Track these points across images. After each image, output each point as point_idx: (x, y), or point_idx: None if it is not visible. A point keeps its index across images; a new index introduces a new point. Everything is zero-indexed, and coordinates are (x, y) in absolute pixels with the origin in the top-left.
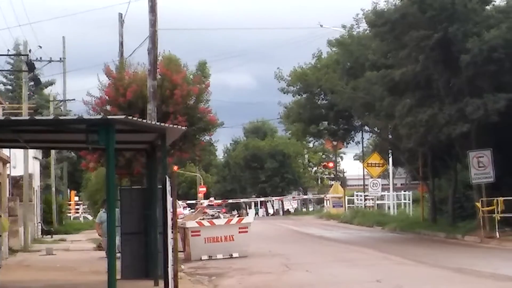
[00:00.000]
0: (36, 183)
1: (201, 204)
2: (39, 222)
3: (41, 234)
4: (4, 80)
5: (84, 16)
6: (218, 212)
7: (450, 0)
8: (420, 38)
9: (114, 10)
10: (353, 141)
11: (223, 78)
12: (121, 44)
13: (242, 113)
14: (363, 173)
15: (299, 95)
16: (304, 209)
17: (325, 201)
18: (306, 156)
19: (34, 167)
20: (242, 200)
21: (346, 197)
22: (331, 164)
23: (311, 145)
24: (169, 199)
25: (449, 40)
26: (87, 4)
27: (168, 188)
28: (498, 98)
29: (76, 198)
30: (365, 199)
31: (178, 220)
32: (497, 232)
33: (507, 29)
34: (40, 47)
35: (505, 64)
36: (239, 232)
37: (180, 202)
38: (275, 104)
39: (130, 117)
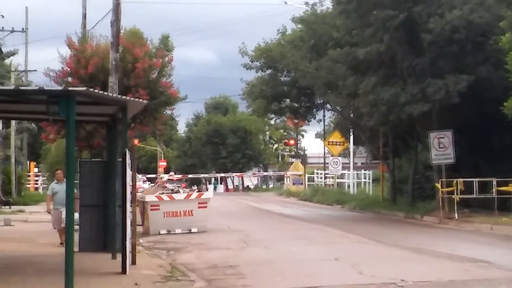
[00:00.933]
0: None
1: (161, 178)
2: None
3: (0, 204)
4: None
5: None
6: (178, 187)
7: None
8: (386, 19)
9: None
10: (314, 119)
11: (185, 53)
12: (84, 16)
13: (203, 88)
14: (324, 151)
15: (262, 71)
16: (264, 186)
17: (285, 179)
18: (268, 133)
19: None
20: (202, 175)
21: (307, 175)
22: (292, 142)
23: (272, 122)
24: (129, 173)
25: (414, 21)
26: None
27: (128, 161)
28: (460, 79)
29: (36, 170)
30: (325, 177)
31: (137, 193)
32: (455, 213)
33: (469, 10)
34: (2, 16)
35: (467, 46)
36: (199, 207)
37: (140, 176)
38: (237, 80)
39: (91, 89)
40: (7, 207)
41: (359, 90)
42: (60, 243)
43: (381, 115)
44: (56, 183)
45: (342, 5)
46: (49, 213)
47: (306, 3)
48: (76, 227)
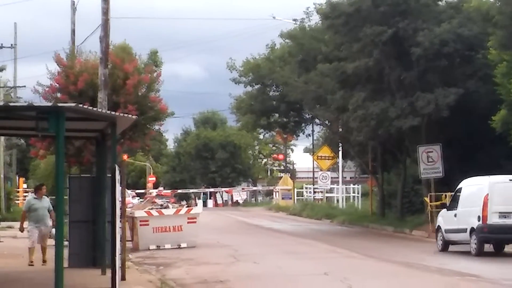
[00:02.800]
0: None
1: (150, 193)
2: None
3: None
4: None
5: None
6: (167, 202)
7: None
8: (374, 34)
9: None
10: (303, 134)
11: (173, 68)
12: (73, 31)
13: (192, 103)
14: (313, 165)
15: (251, 86)
16: (253, 201)
17: (274, 193)
18: (257, 147)
19: None
20: (191, 190)
21: (296, 190)
22: (281, 156)
23: (261, 136)
24: (118, 188)
25: (402, 35)
26: None
27: (118, 177)
28: (448, 92)
29: (25, 186)
30: (314, 192)
31: (126, 209)
32: None
33: (458, 24)
34: None
35: (455, 60)
36: (188, 222)
37: (129, 191)
38: (226, 95)
39: (81, 105)
40: None
41: (348, 104)
42: (43, 261)
43: (371, 129)
44: (35, 198)
45: (330, 20)
46: (22, 231)
47: (295, 19)
48: (66, 243)
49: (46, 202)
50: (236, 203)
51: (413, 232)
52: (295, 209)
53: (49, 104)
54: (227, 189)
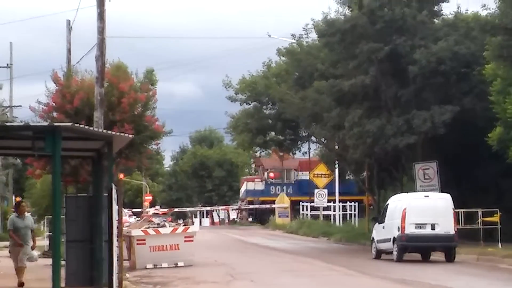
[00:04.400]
0: None
1: (147, 212)
2: None
3: None
4: None
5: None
6: (163, 220)
7: (399, 13)
8: (371, 51)
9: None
10: (299, 152)
11: (168, 87)
12: (69, 51)
13: (187, 122)
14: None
15: (247, 104)
16: (250, 219)
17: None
18: (253, 165)
19: None
20: (188, 209)
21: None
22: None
23: (258, 154)
24: (115, 207)
25: (398, 53)
26: (36, 10)
27: (114, 196)
28: (445, 110)
29: None
30: (311, 210)
31: (123, 228)
32: None
33: (455, 42)
34: None
35: (451, 77)
36: (185, 241)
37: (125, 210)
38: (221, 114)
39: (77, 125)
40: None
41: (344, 122)
42: (19, 284)
43: (367, 147)
44: (17, 217)
45: (326, 37)
46: (22, 246)
47: (293, 35)
48: (63, 262)
49: (28, 220)
50: (232, 222)
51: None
52: (292, 227)
53: (46, 123)
54: (223, 207)
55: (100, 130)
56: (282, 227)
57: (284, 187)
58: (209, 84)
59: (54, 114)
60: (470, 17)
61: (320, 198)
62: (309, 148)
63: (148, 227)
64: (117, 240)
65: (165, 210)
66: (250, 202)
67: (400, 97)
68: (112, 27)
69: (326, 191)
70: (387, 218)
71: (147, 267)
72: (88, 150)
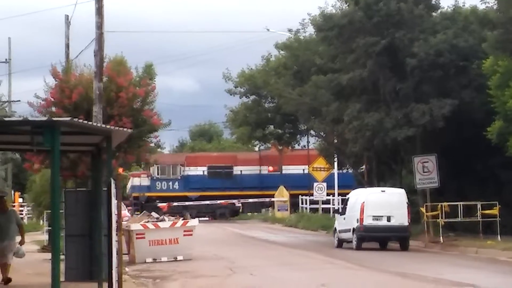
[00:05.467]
0: None
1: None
2: None
3: None
4: None
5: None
6: (163, 215)
7: (396, 6)
8: (368, 45)
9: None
10: (298, 145)
11: (166, 81)
12: (67, 46)
13: (186, 116)
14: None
15: (246, 97)
16: (249, 213)
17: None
18: None
19: None
20: (187, 203)
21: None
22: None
23: (256, 148)
24: (114, 202)
25: (396, 46)
26: (34, 5)
27: (113, 190)
28: (444, 103)
29: (21, 200)
30: (310, 203)
31: (122, 222)
32: (441, 237)
33: (453, 34)
34: None
35: (450, 70)
36: (184, 235)
37: (124, 205)
38: (220, 108)
39: (76, 119)
40: None
41: (342, 116)
42: (1, 281)
43: (366, 140)
44: None
45: (323, 32)
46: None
47: (290, 30)
48: (62, 257)
49: (10, 215)
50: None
51: (410, 242)
52: (291, 221)
53: (44, 118)
54: (223, 201)
55: (99, 124)
56: (281, 221)
57: (171, 183)
58: (208, 79)
59: (53, 109)
60: (468, 10)
61: (319, 191)
62: (308, 142)
63: (148, 221)
64: (116, 234)
65: (164, 204)
66: (136, 198)
67: (398, 91)
68: (110, 21)
69: (325, 184)
70: (348, 210)
71: (147, 261)
72: (87, 145)
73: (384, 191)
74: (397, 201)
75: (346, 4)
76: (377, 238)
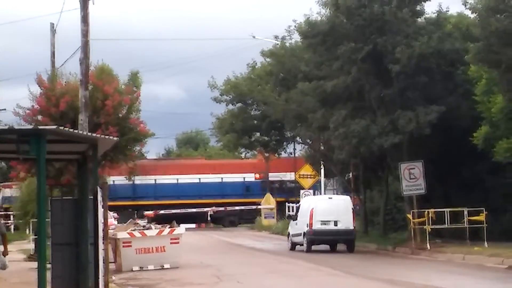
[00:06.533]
0: None
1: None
2: None
3: None
4: None
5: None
6: (149, 223)
7: (379, 10)
8: (351, 51)
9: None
10: (285, 152)
11: (152, 89)
12: (53, 54)
13: (172, 124)
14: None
15: (232, 105)
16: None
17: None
18: None
19: None
20: (173, 211)
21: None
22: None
23: (243, 156)
24: (100, 210)
25: (380, 52)
26: (19, 13)
27: (100, 198)
28: (430, 110)
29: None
30: (297, 210)
31: (109, 231)
32: (428, 244)
33: (438, 39)
34: None
35: (436, 76)
36: (171, 243)
37: (111, 213)
38: (206, 116)
39: (62, 128)
40: None
41: (328, 123)
42: None
43: (352, 147)
44: None
45: (308, 39)
46: None
47: (276, 37)
48: (48, 265)
49: None
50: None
51: (396, 249)
52: (278, 228)
53: (30, 126)
54: (209, 209)
55: (85, 133)
56: (268, 228)
57: None
58: (193, 87)
59: (39, 117)
60: (453, 18)
61: None
62: (294, 149)
63: (134, 230)
64: (103, 243)
65: (151, 212)
66: (7, 209)
67: (384, 97)
68: (96, 29)
69: (311, 191)
70: (299, 216)
71: (133, 269)
72: (73, 153)
73: (331, 198)
74: (343, 207)
75: (326, 8)
76: (325, 241)
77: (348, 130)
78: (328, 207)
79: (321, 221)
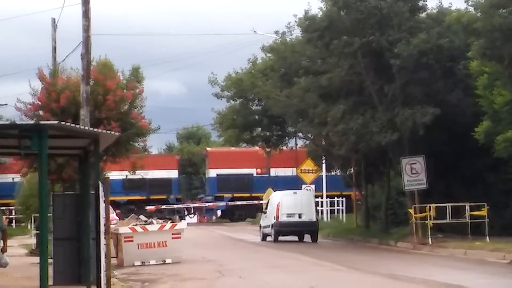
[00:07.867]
0: None
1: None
2: None
3: None
4: None
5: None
6: (151, 218)
7: (376, 6)
8: (343, 45)
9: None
10: (286, 147)
11: (153, 84)
12: (54, 49)
13: (173, 119)
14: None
15: (233, 101)
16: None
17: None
18: None
19: None
20: (175, 206)
21: None
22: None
23: None
24: (102, 205)
25: (381, 47)
26: (20, 9)
27: (101, 193)
28: (426, 111)
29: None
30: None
31: (111, 225)
32: (429, 239)
33: (438, 34)
34: None
35: (437, 71)
36: (173, 238)
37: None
38: (206, 111)
39: (63, 123)
40: None
41: (328, 118)
42: None
43: (351, 144)
44: None
45: (308, 34)
46: None
47: (276, 32)
48: (50, 260)
49: None
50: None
51: (398, 244)
52: None
53: (32, 122)
54: (211, 203)
55: (86, 128)
56: None
57: None
58: (194, 82)
59: (40, 112)
60: (452, 18)
61: None
62: (296, 144)
63: (136, 224)
64: (105, 238)
65: (153, 207)
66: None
67: (386, 93)
68: (97, 24)
69: (313, 186)
70: (268, 209)
71: (135, 264)
72: (74, 148)
73: (296, 193)
74: (306, 201)
75: (323, 2)
76: (290, 232)
77: (347, 127)
78: (293, 201)
79: (287, 214)
